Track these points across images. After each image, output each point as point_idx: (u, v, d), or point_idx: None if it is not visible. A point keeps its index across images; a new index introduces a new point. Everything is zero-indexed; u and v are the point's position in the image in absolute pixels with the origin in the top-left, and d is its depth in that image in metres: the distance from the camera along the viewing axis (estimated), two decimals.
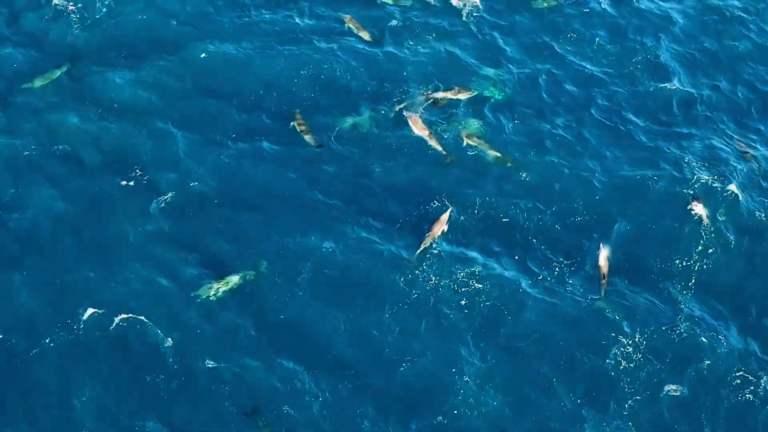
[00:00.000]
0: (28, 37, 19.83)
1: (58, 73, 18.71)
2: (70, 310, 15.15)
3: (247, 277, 15.68)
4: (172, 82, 19.08)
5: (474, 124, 18.36)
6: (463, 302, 15.67)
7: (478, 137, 18.18)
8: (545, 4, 21.33)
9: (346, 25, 20.57)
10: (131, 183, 17.08)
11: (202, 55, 19.62)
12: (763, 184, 18.25)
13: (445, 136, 18.24)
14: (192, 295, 15.38)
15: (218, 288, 15.43)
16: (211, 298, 15.34)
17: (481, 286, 15.87)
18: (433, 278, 15.94)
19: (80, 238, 16.28)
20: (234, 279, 15.58)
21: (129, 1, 20.66)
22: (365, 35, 20.31)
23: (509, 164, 17.80)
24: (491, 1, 21.48)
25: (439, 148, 17.91)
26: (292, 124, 18.13)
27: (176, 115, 18.46)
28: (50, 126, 18.03)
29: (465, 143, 18.09)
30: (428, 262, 16.13)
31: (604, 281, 16.03)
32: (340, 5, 21.15)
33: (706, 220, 17.10)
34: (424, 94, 18.87)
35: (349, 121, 18.29)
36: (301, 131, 17.99)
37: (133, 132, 18.02)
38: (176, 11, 20.75)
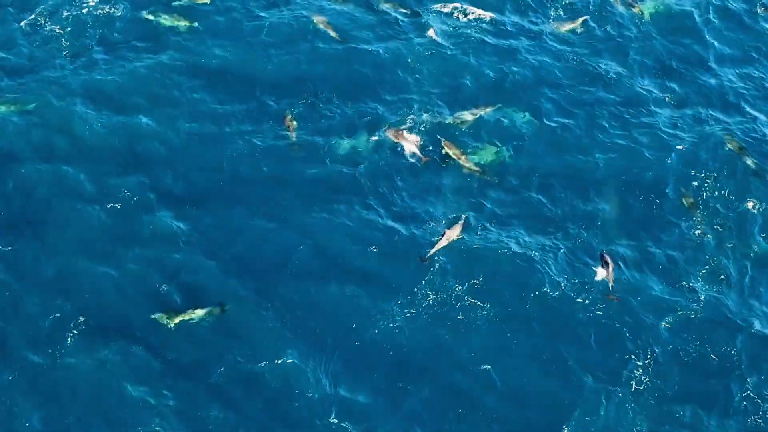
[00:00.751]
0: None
1: (30, 106, 18.46)
2: (64, 315, 15.11)
3: (213, 312, 15.37)
4: (166, 82, 19.17)
5: (490, 150, 18.40)
6: (462, 314, 15.63)
7: (459, 149, 18.12)
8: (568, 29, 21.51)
9: (315, 25, 20.69)
10: (129, 183, 17.10)
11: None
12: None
13: (423, 143, 18.39)
14: (151, 316, 15.21)
15: (179, 319, 15.19)
16: (170, 326, 15.14)
17: (486, 291, 15.97)
18: (439, 281, 16.00)
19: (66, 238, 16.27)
20: (199, 313, 15.28)
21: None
22: (334, 34, 20.45)
23: (487, 177, 17.82)
24: (499, 16, 21.75)
25: (417, 152, 18.01)
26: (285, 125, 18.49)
27: (172, 117, 18.49)
28: (34, 121, 18.08)
29: (444, 152, 18.10)
30: (434, 266, 16.20)
31: (609, 277, 16.10)
32: (350, 12, 21.44)
33: (694, 210, 17.57)
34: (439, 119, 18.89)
35: (346, 144, 18.28)
36: (289, 129, 18.35)
37: (129, 131, 18.08)
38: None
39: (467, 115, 18.82)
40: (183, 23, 20.22)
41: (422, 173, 17.82)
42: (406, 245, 16.51)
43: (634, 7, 21.71)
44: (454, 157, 17.93)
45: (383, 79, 19.63)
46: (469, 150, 18.17)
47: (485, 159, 18.09)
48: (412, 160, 17.91)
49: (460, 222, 16.71)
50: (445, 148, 18.06)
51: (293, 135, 18.15)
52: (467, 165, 17.90)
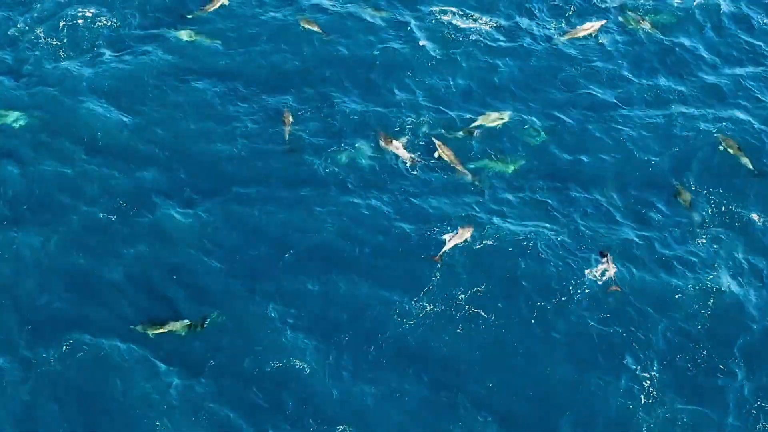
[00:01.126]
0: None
1: (31, 107, 18.55)
2: (64, 315, 15.21)
3: (196, 324, 15.27)
4: (166, 84, 19.30)
5: (493, 157, 18.39)
6: (465, 317, 15.62)
7: (452, 151, 18.12)
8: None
9: (301, 26, 20.81)
10: (129, 183, 17.23)
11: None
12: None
13: (420, 146, 18.46)
14: (131, 327, 15.17)
15: (160, 330, 15.09)
16: (150, 335, 15.08)
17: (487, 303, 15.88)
18: (442, 283, 16.02)
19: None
20: (178, 325, 15.18)
21: None
22: (326, 37, 20.56)
23: (477, 182, 17.83)
24: (499, 21, 21.72)
25: (407, 155, 18.12)
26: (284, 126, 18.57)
27: (172, 119, 18.62)
28: (35, 122, 18.22)
29: (438, 155, 18.12)
30: (438, 267, 16.26)
31: (609, 269, 16.18)
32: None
33: (693, 211, 17.63)
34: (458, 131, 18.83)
35: (347, 147, 18.28)
36: (285, 126, 18.47)
37: (128, 133, 18.19)
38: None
39: (482, 120, 18.81)
40: (198, 37, 20.27)
41: (422, 175, 17.83)
42: (406, 246, 16.52)
43: (640, 20, 21.64)
44: (447, 160, 17.92)
45: (384, 83, 19.69)
46: (479, 159, 18.15)
47: (489, 166, 18.07)
48: (407, 165, 17.94)
49: (469, 224, 16.72)
50: (439, 150, 18.05)
51: (287, 131, 18.22)
52: (460, 168, 17.88)
